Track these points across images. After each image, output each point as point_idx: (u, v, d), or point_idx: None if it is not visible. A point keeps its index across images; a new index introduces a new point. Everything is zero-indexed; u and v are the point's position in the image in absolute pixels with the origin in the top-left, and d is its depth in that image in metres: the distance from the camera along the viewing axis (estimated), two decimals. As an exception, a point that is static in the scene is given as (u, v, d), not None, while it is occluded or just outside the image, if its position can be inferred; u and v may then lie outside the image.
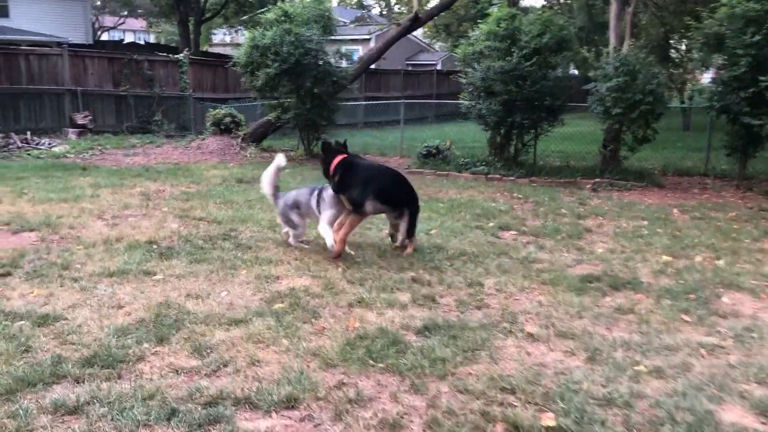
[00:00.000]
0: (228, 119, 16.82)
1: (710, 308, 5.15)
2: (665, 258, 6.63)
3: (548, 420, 3.30)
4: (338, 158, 6.40)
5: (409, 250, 6.61)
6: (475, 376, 3.85)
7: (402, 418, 3.36)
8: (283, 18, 14.88)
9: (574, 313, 5.00)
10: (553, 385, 3.73)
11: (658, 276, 6.03)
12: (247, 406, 3.43)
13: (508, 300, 5.28)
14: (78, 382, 3.68)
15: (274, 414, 3.37)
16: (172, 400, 3.45)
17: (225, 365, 3.92)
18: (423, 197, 9.85)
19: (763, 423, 3.39)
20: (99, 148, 16.09)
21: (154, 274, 5.73)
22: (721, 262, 6.48)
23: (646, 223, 8.44)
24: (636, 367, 4.01)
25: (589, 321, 4.84)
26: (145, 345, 4.18)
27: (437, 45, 47.07)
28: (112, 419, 3.25)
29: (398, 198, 6.58)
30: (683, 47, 26.89)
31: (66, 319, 4.63)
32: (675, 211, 9.37)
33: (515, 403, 3.50)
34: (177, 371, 3.83)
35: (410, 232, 6.63)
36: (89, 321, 4.59)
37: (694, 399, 3.59)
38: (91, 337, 4.31)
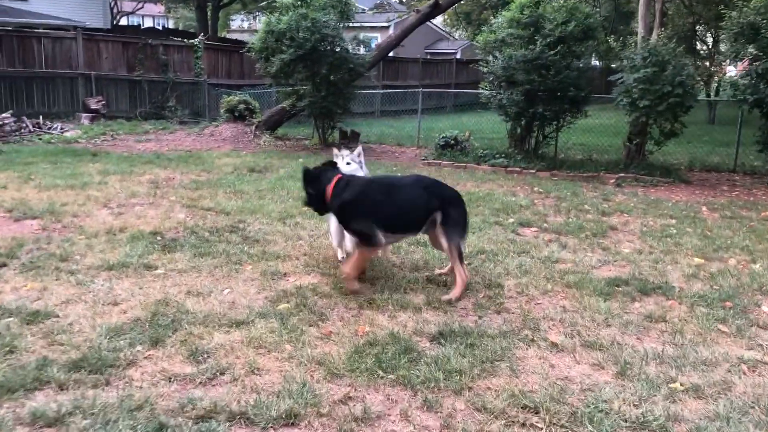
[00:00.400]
0: (242, 106, 16.53)
1: (749, 318, 4.75)
2: (697, 260, 6.22)
3: (576, 447, 2.96)
4: (333, 181, 5.03)
5: (454, 292, 4.94)
6: (495, 391, 3.50)
7: (413, 439, 3.04)
8: (299, 3, 14.50)
9: (601, 320, 4.63)
10: (581, 404, 3.38)
11: (691, 280, 5.64)
12: (242, 422, 3.12)
13: (530, 304, 4.92)
14: (62, 389, 3.40)
15: (272, 431, 3.06)
16: (162, 413, 3.15)
17: (222, 373, 3.61)
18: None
19: (818, 455, 3.03)
20: (111, 133, 15.87)
21: (156, 268, 5.45)
22: (757, 266, 6.07)
23: (674, 221, 8.02)
24: (671, 385, 3.65)
25: (618, 330, 4.48)
26: (138, 348, 3.89)
27: (457, 33, 46.42)
28: (94, 433, 2.96)
29: (417, 217, 5.09)
30: (709, 38, 26.21)
31: (57, 316, 4.35)
32: (704, 209, 8.94)
33: (539, 425, 3.16)
34: (170, 379, 3.53)
35: (456, 251, 5.04)
36: (81, 319, 4.31)
37: (738, 424, 3.23)
38: (81, 337, 4.02)
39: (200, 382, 3.50)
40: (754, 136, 11.63)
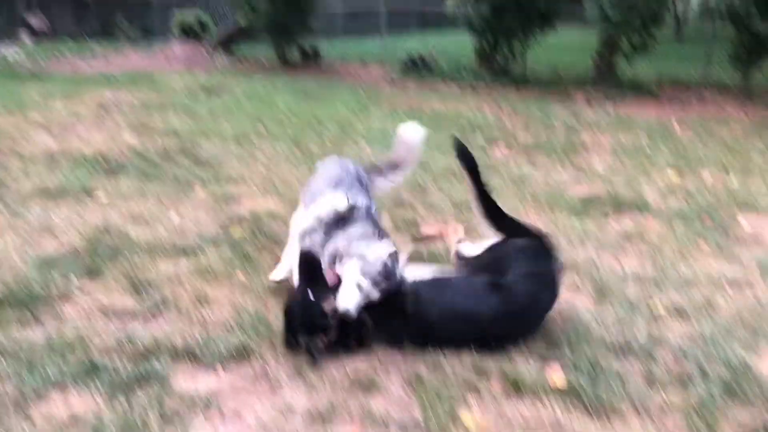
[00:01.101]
0: (196, 24, 15.60)
1: (729, 234, 4.55)
2: (671, 175, 5.99)
3: (556, 376, 2.71)
4: None
5: None
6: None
7: (379, 375, 2.75)
8: None
9: (576, 240, 4.38)
10: (559, 329, 3.13)
11: (666, 197, 5.40)
12: (187, 360, 2.79)
13: (501, 224, 4.63)
14: (-17, 329, 3.02)
15: (220, 370, 2.74)
16: (96, 353, 2.81)
17: (166, 306, 3.26)
18: (406, 110, 9.12)
19: (809, 376, 2.84)
20: (56, 54, 14.87)
21: (97, 194, 5.00)
22: (733, 181, 5.86)
23: (646, 138, 7.76)
24: (653, 307, 3.42)
25: (594, 249, 4.23)
26: (74, 280, 3.50)
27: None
28: (17, 378, 2.60)
29: None
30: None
31: (-18, 248, 3.92)
32: (675, 124, 8.69)
33: (515, 356, 2.89)
34: (107, 313, 3.17)
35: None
36: (11, 250, 3.89)
37: (725, 346, 3.02)
38: (9, 270, 3.61)
39: (141, 317, 3.15)
40: (720, 51, 11.34)
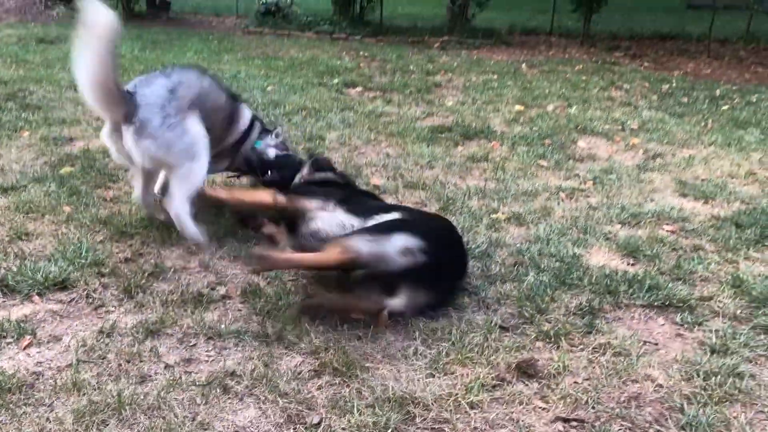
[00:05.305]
0: (27, -28, 14.19)
1: (567, 153, 4.78)
2: (517, 107, 6.19)
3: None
4: None
5: None
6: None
7: (213, 289, 2.63)
8: None
9: (424, 163, 4.42)
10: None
11: (512, 124, 5.59)
12: (0, 291, 2.53)
13: (352, 153, 4.59)
14: None
15: (36, 297, 2.50)
16: None
17: (-23, 242, 2.94)
18: (260, 56, 8.83)
19: (631, 264, 3.03)
20: None
21: None
22: (572, 110, 6.17)
23: (495, 77, 7.98)
24: (493, 215, 3.52)
25: (441, 171, 4.29)
26: None
27: None
28: None
29: None
30: None
31: None
32: (524, 66, 9.01)
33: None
34: None
35: None
36: None
37: (558, 244, 3.16)
38: None
39: (-53, 254, 2.82)
40: (569, 2, 11.89)
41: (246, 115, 3.41)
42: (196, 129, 2.88)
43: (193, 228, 2.93)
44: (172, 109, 2.79)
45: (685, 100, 6.89)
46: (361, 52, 9.79)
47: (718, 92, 7.36)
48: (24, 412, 1.90)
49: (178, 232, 3.04)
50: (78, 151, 4.34)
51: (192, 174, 2.87)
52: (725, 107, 6.54)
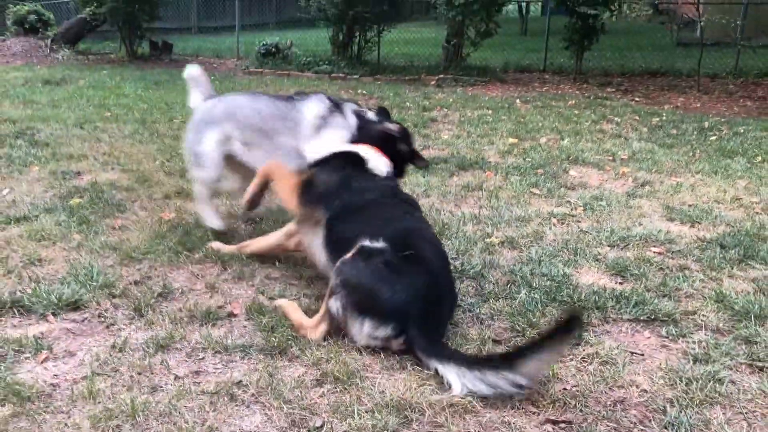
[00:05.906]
0: (33, 17, 14.65)
1: (559, 181, 4.94)
2: (511, 140, 6.39)
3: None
4: None
5: None
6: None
7: (220, 308, 2.76)
8: None
9: (420, 192, 4.58)
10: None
11: (506, 156, 5.77)
12: (15, 311, 2.66)
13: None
14: None
15: (51, 317, 2.63)
16: None
17: (-7, 267, 3.08)
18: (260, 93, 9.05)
19: (619, 282, 3.16)
20: None
21: None
22: (565, 142, 6.36)
23: (490, 112, 8.21)
24: (487, 239, 3.67)
25: (437, 199, 4.45)
26: None
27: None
28: None
29: None
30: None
31: None
32: (518, 101, 9.26)
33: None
34: (-76, 278, 2.95)
35: None
36: None
37: (549, 265, 3.30)
38: None
39: (-36, 279, 2.96)
40: (559, 42, 12.24)
41: None
42: None
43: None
44: None
45: (675, 131, 7.10)
46: (359, 90, 10.06)
47: (706, 124, 7.57)
48: (43, 419, 2.02)
49: (183, 257, 3.20)
50: (86, 184, 4.51)
51: None
52: (713, 138, 6.74)
